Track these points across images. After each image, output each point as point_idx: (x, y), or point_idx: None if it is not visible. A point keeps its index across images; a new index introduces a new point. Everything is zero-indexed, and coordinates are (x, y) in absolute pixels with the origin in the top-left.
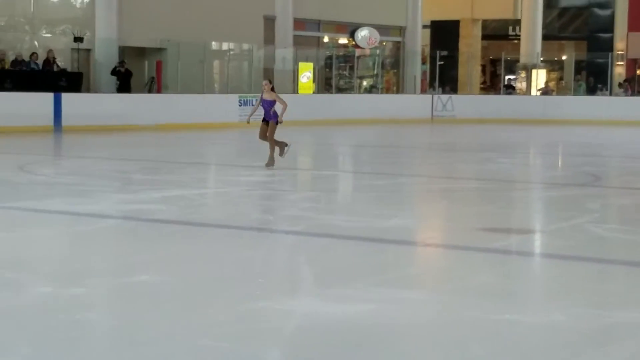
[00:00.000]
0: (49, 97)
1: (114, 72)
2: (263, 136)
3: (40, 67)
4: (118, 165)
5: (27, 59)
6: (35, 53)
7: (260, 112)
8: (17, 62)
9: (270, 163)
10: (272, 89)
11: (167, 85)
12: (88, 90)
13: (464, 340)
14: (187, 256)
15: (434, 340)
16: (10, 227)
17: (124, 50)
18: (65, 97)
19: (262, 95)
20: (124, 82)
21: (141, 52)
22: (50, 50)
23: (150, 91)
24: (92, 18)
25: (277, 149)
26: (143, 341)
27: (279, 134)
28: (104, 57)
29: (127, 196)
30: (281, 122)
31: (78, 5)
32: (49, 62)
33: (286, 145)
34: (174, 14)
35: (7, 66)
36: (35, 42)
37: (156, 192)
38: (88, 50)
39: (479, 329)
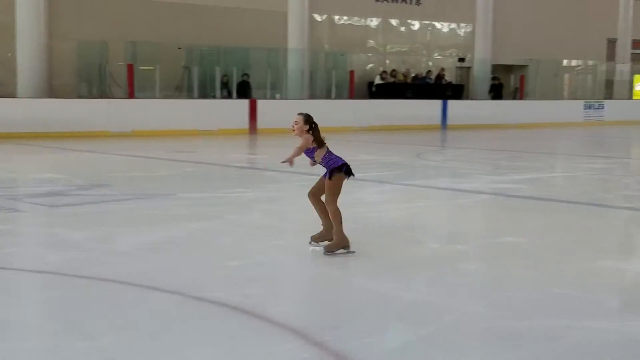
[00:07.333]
0: (438, 103)
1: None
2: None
3: (433, 81)
4: (489, 155)
5: (423, 75)
6: (430, 70)
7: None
8: (416, 77)
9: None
10: (308, 128)
11: (528, 94)
12: (467, 98)
13: None
14: (541, 224)
15: None
16: (408, 200)
17: (495, 68)
18: (450, 103)
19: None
20: (497, 92)
21: (508, 69)
22: (441, 69)
23: (514, 98)
24: (472, 44)
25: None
26: (508, 287)
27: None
28: (481, 73)
29: (496, 177)
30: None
31: (462, 34)
32: (440, 77)
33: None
34: (534, 38)
35: (409, 80)
36: (430, 62)
37: (518, 175)
38: (468, 68)
39: None
